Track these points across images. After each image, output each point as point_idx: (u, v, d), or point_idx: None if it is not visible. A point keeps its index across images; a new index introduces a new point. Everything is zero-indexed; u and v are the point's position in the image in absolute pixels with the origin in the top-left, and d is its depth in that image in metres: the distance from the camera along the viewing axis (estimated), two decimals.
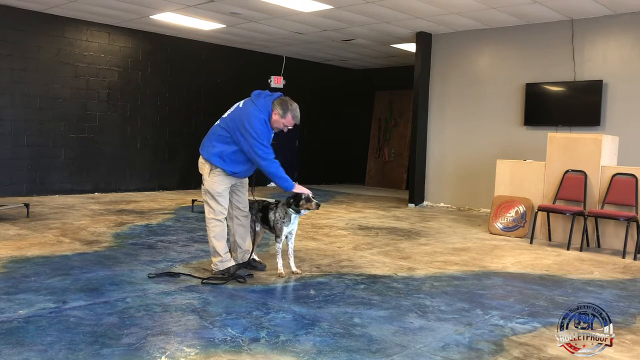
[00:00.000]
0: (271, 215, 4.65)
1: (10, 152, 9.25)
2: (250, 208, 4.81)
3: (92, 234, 6.29)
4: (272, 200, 4.85)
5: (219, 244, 4.54)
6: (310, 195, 4.52)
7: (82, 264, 4.84)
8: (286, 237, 4.68)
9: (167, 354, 2.95)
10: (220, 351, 3.01)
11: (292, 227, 4.66)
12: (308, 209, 4.57)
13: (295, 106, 4.47)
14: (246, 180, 4.77)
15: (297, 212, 4.56)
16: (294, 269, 4.74)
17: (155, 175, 11.16)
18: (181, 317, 3.55)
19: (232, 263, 4.59)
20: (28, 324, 3.31)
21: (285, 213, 4.58)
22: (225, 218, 4.64)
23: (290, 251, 4.74)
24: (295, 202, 4.53)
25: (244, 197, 4.75)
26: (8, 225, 6.59)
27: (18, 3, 8.93)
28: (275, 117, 4.42)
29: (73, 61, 9.86)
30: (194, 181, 11.52)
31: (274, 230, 4.66)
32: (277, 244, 4.66)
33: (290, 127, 4.53)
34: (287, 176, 4.46)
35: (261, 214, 4.77)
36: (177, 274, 4.56)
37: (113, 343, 3.06)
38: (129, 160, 10.73)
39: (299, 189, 4.48)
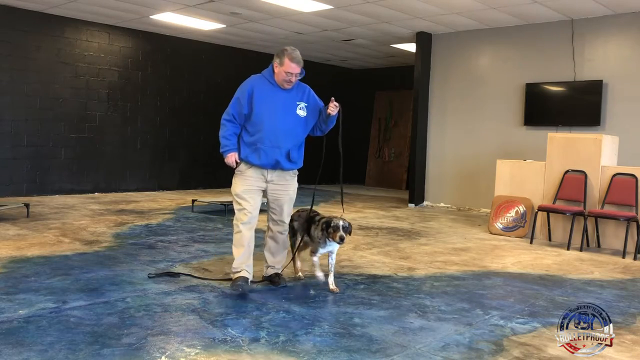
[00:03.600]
0: (312, 230, 4.34)
1: (10, 152, 9.25)
2: (299, 216, 4.51)
3: (92, 234, 6.29)
4: (319, 213, 4.51)
5: (236, 250, 4.22)
6: (340, 223, 4.09)
7: (82, 264, 4.83)
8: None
9: (167, 354, 2.95)
10: (220, 351, 3.01)
11: (330, 248, 4.31)
12: (333, 239, 4.12)
13: (292, 49, 4.06)
14: (290, 190, 4.32)
15: (327, 237, 4.15)
16: (332, 286, 4.31)
17: (155, 175, 11.15)
18: (181, 317, 3.54)
19: (241, 275, 4.18)
20: (28, 324, 3.31)
21: (322, 235, 4.24)
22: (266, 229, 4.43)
23: (331, 267, 4.38)
24: (326, 227, 4.17)
25: (280, 208, 4.29)
26: (8, 225, 6.59)
27: (18, 3, 8.93)
28: (276, 70, 4.09)
29: (73, 61, 9.86)
30: (194, 181, 11.55)
31: (312, 245, 4.39)
32: (313, 258, 4.38)
33: (297, 74, 4.10)
34: (227, 142, 4.09)
35: (307, 224, 4.44)
36: (177, 274, 4.55)
37: (113, 343, 3.06)
38: (129, 160, 10.73)
39: (229, 158, 4.09)
